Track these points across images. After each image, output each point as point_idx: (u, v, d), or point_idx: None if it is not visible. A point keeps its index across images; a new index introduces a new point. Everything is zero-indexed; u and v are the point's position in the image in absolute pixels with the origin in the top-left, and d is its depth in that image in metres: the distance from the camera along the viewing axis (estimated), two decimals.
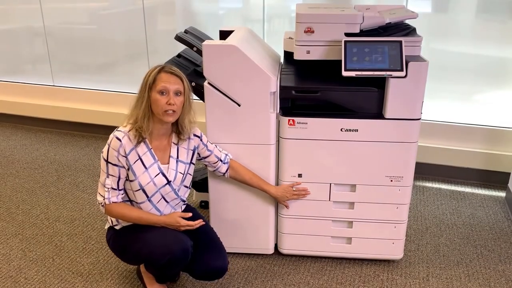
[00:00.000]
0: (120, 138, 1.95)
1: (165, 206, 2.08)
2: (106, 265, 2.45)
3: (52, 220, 2.88)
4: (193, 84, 2.35)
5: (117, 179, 1.98)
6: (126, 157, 1.96)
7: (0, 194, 3.20)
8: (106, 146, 1.97)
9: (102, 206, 2.02)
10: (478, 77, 3.34)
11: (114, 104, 4.14)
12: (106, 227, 2.18)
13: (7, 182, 3.36)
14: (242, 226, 2.44)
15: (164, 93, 1.94)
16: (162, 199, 2.06)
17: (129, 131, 1.97)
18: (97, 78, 4.27)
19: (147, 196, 2.02)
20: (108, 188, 1.99)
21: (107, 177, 1.98)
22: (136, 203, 2.05)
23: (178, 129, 2.08)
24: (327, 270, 2.42)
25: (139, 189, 2.00)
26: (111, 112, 4.11)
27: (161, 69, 1.97)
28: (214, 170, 2.28)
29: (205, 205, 2.93)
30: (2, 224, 2.83)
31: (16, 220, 2.88)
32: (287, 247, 2.48)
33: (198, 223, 2.04)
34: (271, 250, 2.51)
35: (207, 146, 2.20)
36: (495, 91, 3.33)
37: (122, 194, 2.03)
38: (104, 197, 1.99)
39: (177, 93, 1.96)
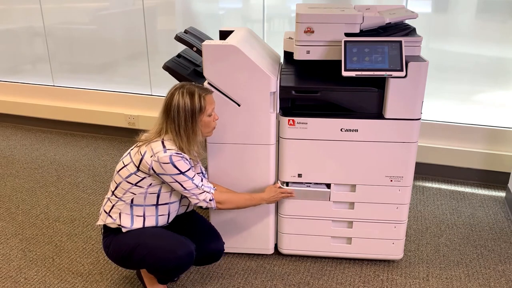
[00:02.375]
0: (178, 152, 1.97)
1: (167, 210, 2.10)
2: (106, 265, 2.45)
3: (52, 220, 2.88)
4: None
5: (196, 174, 2.03)
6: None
7: (0, 194, 3.20)
8: (180, 161, 1.94)
9: (211, 200, 2.04)
10: (478, 77, 3.33)
11: (114, 104, 4.14)
12: (103, 227, 2.13)
13: (7, 182, 3.36)
14: (242, 226, 2.44)
15: (212, 114, 2.05)
16: (167, 205, 2.09)
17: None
18: (97, 78, 4.26)
19: (157, 202, 2.04)
20: (203, 184, 2.03)
21: (193, 179, 1.99)
22: (139, 205, 2.03)
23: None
24: (327, 270, 2.42)
25: (155, 193, 2.02)
26: (111, 112, 4.11)
27: (202, 93, 1.98)
28: None
29: None
30: (2, 224, 2.83)
31: (16, 220, 2.88)
32: (287, 247, 2.48)
33: (291, 189, 2.27)
34: (271, 250, 2.51)
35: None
36: (495, 91, 3.33)
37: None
38: (207, 191, 2.04)
39: None
